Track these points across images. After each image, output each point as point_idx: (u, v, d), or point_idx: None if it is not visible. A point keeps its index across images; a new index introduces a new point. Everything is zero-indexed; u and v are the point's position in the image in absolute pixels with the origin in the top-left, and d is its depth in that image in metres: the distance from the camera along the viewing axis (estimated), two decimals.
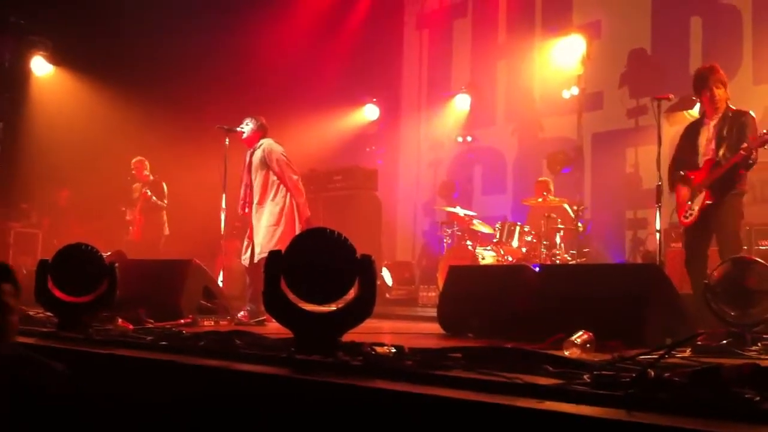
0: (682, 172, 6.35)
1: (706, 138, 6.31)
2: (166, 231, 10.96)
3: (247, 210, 7.50)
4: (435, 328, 6.04)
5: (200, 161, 10.77)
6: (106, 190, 11.87)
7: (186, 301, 6.31)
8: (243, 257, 7.40)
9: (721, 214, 6.10)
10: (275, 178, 7.38)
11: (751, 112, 6.24)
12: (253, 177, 7.45)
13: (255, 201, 7.40)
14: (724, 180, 6.09)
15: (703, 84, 6.31)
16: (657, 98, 6.88)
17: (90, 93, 12.69)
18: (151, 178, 11.09)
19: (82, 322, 4.76)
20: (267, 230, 7.24)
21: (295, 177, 7.45)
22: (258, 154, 7.43)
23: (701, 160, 6.29)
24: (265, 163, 7.37)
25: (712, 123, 6.29)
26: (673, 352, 3.15)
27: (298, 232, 6.92)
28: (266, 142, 7.48)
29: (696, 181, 6.24)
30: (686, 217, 6.28)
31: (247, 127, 7.55)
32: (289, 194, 7.38)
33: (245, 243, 7.42)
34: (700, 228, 6.20)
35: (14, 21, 12.24)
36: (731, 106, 6.29)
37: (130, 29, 12.34)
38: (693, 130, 6.47)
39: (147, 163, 11.14)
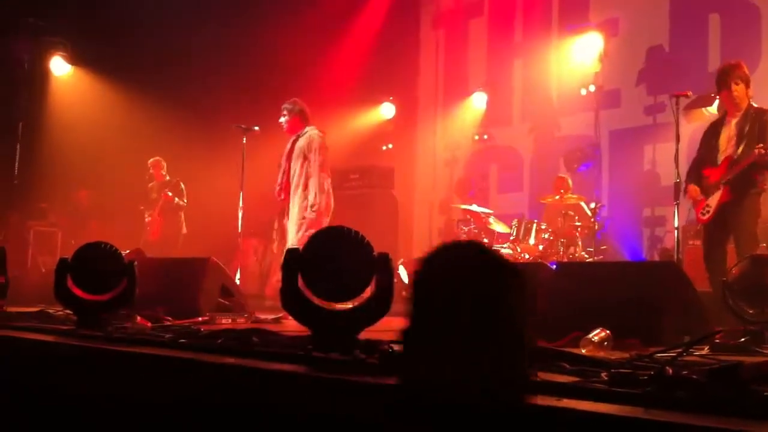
0: (701, 173, 6.34)
1: (727, 135, 6.29)
2: (184, 230, 11.02)
3: (283, 196, 7.46)
4: None
5: (218, 160, 10.83)
6: (125, 190, 11.94)
7: (204, 299, 6.33)
8: (274, 245, 7.38)
9: (739, 213, 6.08)
10: (311, 169, 7.34)
11: None
12: (292, 164, 7.40)
13: (292, 188, 7.37)
14: (742, 178, 6.06)
15: (724, 80, 6.29)
16: (675, 95, 6.86)
17: (108, 93, 12.78)
18: (168, 178, 11.15)
19: (101, 320, 4.79)
20: (297, 221, 7.23)
21: (324, 174, 7.36)
22: (301, 141, 7.36)
23: (721, 158, 6.26)
24: (305, 154, 7.33)
25: (734, 121, 6.27)
26: (690, 350, 3.14)
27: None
28: (311, 132, 7.40)
29: (714, 179, 6.22)
30: (703, 214, 6.26)
31: (283, 118, 7.49)
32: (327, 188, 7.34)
33: (277, 228, 7.40)
34: (719, 225, 6.19)
35: (33, 22, 12.33)
36: (753, 103, 6.26)
37: (148, 29, 12.40)
38: (714, 128, 6.45)
39: (164, 163, 11.19)
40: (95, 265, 4.95)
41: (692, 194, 6.41)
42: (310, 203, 7.33)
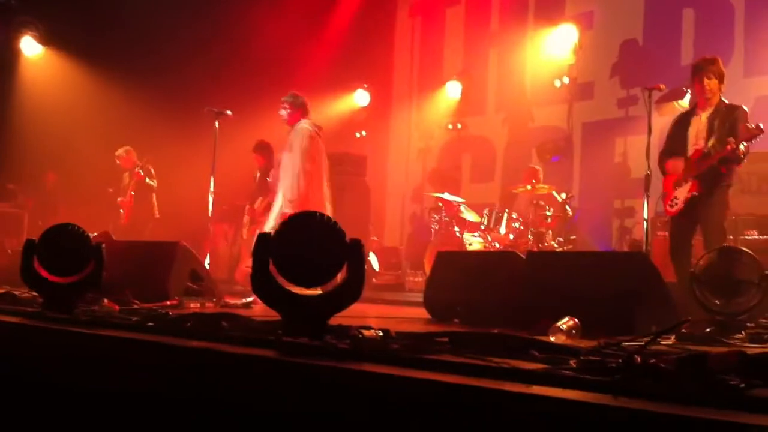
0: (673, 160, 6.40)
1: (696, 129, 6.35)
2: (156, 214, 10.94)
3: (270, 179, 7.51)
4: (421, 313, 6.04)
5: (190, 144, 10.74)
6: (95, 173, 11.81)
7: (173, 283, 6.28)
8: (244, 230, 7.39)
9: (707, 206, 6.14)
10: (297, 159, 7.35)
11: (744, 107, 6.26)
12: (283, 156, 7.44)
13: (280, 181, 7.40)
14: (712, 172, 6.12)
15: (696, 73, 6.34)
16: (648, 88, 6.91)
17: (79, 74, 12.61)
18: (139, 164, 11.05)
19: (68, 302, 4.74)
20: (276, 211, 7.24)
21: (307, 165, 7.36)
22: (292, 135, 7.41)
23: (690, 150, 6.32)
24: (291, 146, 7.35)
25: (704, 114, 6.33)
26: (658, 339, 3.16)
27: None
28: (301, 126, 7.43)
29: (684, 171, 6.28)
30: (671, 206, 6.33)
31: (284, 111, 7.48)
32: (312, 179, 7.34)
33: (246, 212, 7.41)
34: (686, 217, 6.26)
35: (4, 1, 12.12)
36: (724, 99, 6.32)
37: (121, 11, 12.26)
38: (684, 120, 6.50)
39: (134, 152, 11.09)
40: (62, 247, 4.88)
41: (669, 185, 6.45)
42: (288, 197, 7.34)
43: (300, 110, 7.43)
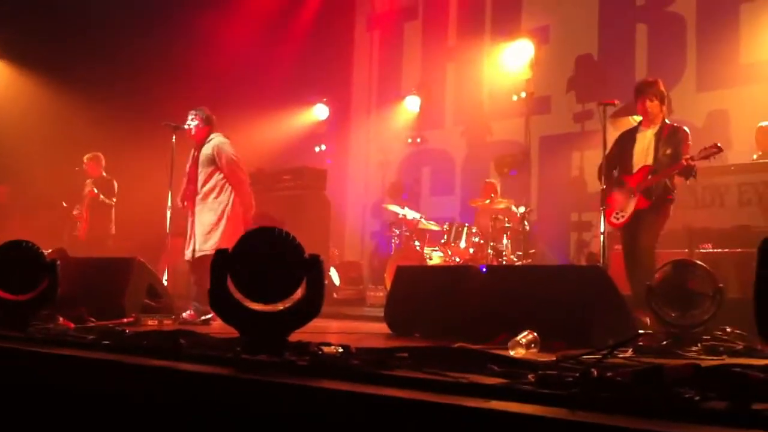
0: (616, 174, 6.61)
1: (642, 145, 6.59)
2: (113, 230, 10.78)
3: (186, 204, 7.36)
4: (382, 328, 6.04)
5: (146, 158, 10.61)
6: (49, 186, 11.61)
7: (129, 300, 6.21)
8: (186, 252, 7.29)
9: (651, 216, 6.38)
10: (221, 176, 7.26)
11: (685, 128, 6.58)
12: (198, 171, 7.31)
13: (199, 196, 7.26)
14: (659, 186, 6.35)
15: (639, 95, 6.67)
16: (603, 103, 7.02)
17: (32, 86, 12.41)
18: (104, 174, 10.90)
19: (22, 320, 4.66)
20: (207, 228, 7.13)
21: (243, 176, 7.35)
22: (207, 149, 7.27)
23: (636, 166, 6.54)
24: (214, 160, 7.24)
25: (650, 131, 6.58)
26: (615, 352, 3.20)
27: (240, 231, 6.83)
28: (216, 139, 7.32)
29: (630, 185, 6.49)
30: (616, 219, 6.58)
31: (193, 123, 7.38)
32: (233, 194, 7.27)
33: (188, 236, 7.30)
34: (633, 228, 6.46)
35: None
36: (667, 121, 6.59)
37: (78, 23, 12.10)
38: (629, 136, 6.75)
39: (103, 160, 10.94)
40: (15, 264, 4.80)
41: (616, 200, 6.65)
42: (246, 206, 7.30)
43: (208, 126, 7.37)
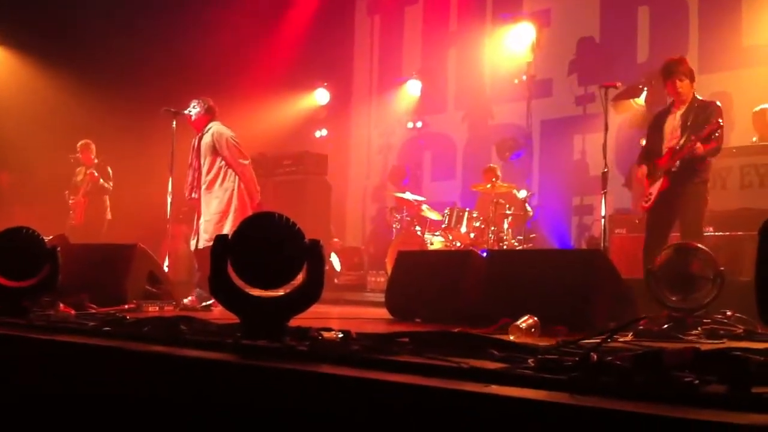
0: (651, 161, 6.49)
1: (671, 126, 6.46)
2: (109, 215, 10.78)
3: (195, 195, 7.38)
4: (383, 313, 6.05)
5: (147, 144, 10.60)
6: (49, 173, 11.60)
7: (130, 287, 6.21)
8: (191, 242, 7.31)
9: (684, 202, 6.24)
10: (224, 163, 7.26)
11: (718, 102, 6.40)
12: (201, 161, 7.32)
13: (203, 186, 7.28)
14: (683, 168, 6.22)
15: (668, 75, 6.48)
16: (604, 86, 6.99)
17: (32, 73, 12.37)
18: (96, 161, 10.88)
19: (23, 307, 4.67)
20: (215, 216, 7.15)
21: (245, 162, 7.35)
22: (207, 138, 7.29)
23: (665, 147, 6.41)
24: (214, 148, 7.24)
25: (679, 112, 6.46)
26: (615, 337, 3.20)
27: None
28: (215, 126, 7.33)
29: (659, 167, 6.38)
30: (645, 202, 6.43)
31: (194, 110, 7.39)
32: (238, 179, 7.28)
33: (194, 228, 7.32)
34: (659, 213, 6.37)
35: None
36: (698, 96, 6.44)
37: (76, 9, 12.05)
38: (660, 118, 6.62)
39: (93, 146, 10.92)
40: (16, 250, 4.81)
41: (638, 175, 6.58)
42: (252, 191, 7.31)
43: (209, 116, 7.36)
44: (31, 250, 4.83)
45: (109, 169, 10.84)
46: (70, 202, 10.80)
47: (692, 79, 6.45)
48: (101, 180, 10.63)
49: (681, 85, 6.39)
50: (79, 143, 10.88)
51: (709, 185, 6.43)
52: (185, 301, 6.73)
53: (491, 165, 10.84)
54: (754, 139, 7.90)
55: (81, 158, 10.88)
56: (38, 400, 3.58)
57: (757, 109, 7.96)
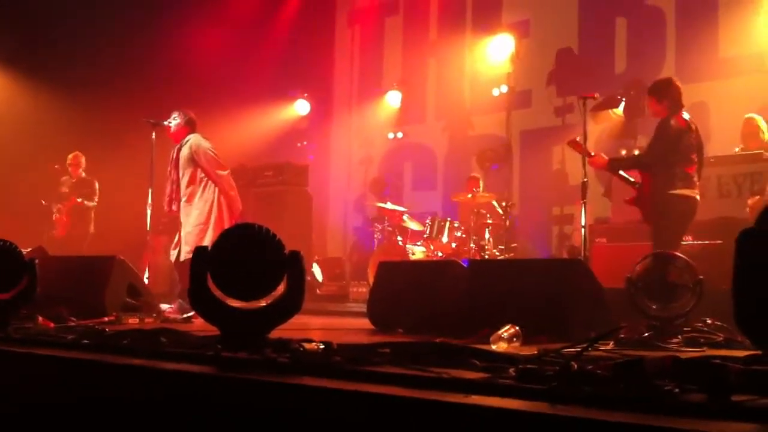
0: None
1: None
2: (92, 229, 10.71)
3: (174, 207, 7.33)
4: (365, 323, 6.04)
5: (126, 156, 10.55)
6: (28, 185, 11.50)
7: (110, 299, 6.16)
8: (171, 254, 7.27)
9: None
10: (203, 174, 7.22)
11: (668, 120, 6.52)
12: (180, 173, 7.28)
13: (183, 198, 7.24)
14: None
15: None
16: (583, 97, 7.04)
17: (10, 84, 12.29)
18: (84, 175, 10.82)
19: (1, 320, 4.61)
20: (196, 228, 7.11)
21: (223, 173, 7.31)
22: (185, 150, 7.24)
23: None
24: (193, 160, 7.20)
25: None
26: (596, 345, 3.21)
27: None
28: (193, 138, 7.29)
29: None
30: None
31: (174, 121, 7.35)
32: (217, 191, 7.25)
33: (175, 240, 7.27)
34: None
35: None
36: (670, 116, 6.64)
37: (58, 22, 12.00)
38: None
39: (83, 159, 10.86)
40: None
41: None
42: (229, 202, 7.27)
43: (188, 128, 7.33)
44: (8, 262, 4.78)
45: (96, 184, 10.78)
46: (55, 216, 10.73)
47: (659, 100, 6.64)
48: (86, 202, 10.61)
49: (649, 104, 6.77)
50: (70, 155, 10.81)
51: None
52: (165, 307, 6.69)
53: (474, 174, 10.88)
54: (737, 149, 7.96)
55: (70, 171, 10.82)
56: (17, 414, 3.54)
57: (748, 116, 8.04)
